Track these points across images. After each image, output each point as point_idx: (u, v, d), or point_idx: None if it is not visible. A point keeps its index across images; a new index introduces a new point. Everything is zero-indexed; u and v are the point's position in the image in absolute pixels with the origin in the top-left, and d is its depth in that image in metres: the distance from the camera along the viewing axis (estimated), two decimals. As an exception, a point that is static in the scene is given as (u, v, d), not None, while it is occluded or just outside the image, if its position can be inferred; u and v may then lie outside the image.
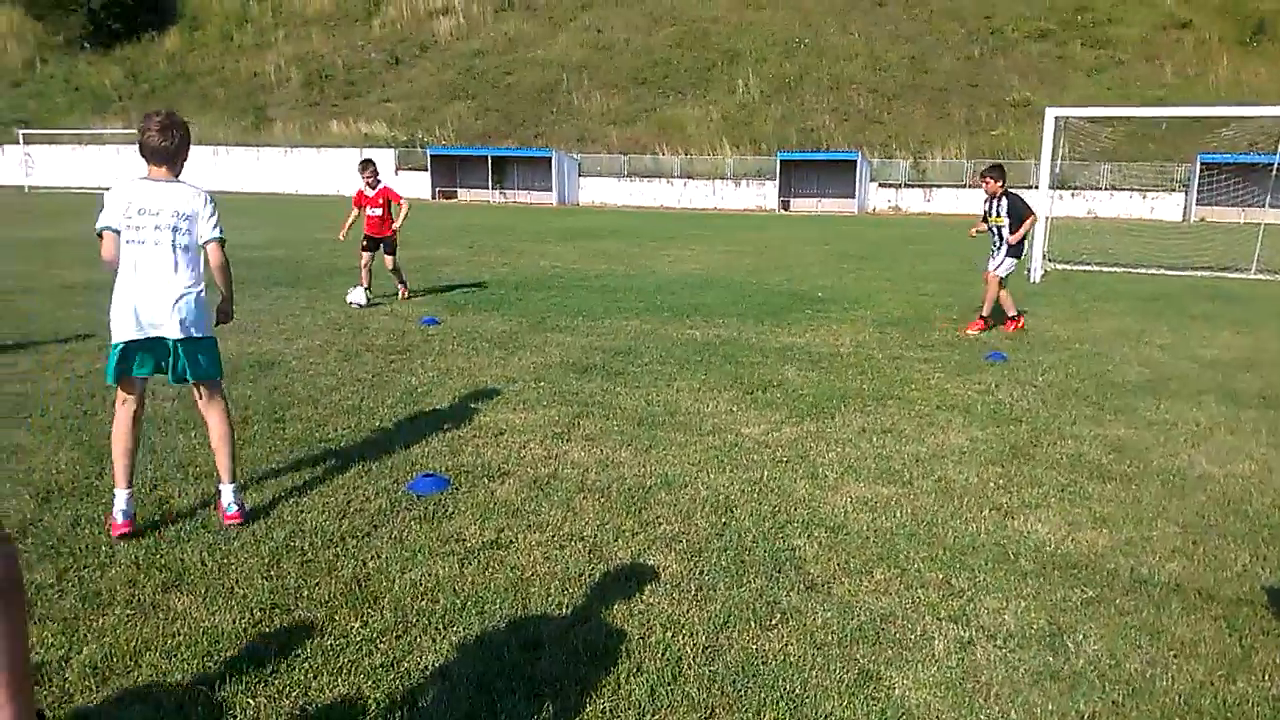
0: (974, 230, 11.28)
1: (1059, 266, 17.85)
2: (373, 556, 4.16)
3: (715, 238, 26.13)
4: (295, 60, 61.49)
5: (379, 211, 11.97)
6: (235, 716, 2.94)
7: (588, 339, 9.51)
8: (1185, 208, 42.56)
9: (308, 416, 6.42)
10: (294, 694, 3.07)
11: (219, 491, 4.53)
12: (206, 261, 4.44)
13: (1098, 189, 43.99)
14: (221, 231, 4.40)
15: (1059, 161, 16.99)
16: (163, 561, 4.04)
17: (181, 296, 4.23)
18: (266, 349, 8.55)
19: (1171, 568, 4.20)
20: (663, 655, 3.35)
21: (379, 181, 11.92)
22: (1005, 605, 3.82)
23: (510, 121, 55.54)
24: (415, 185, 51.45)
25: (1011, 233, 10.49)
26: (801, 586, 3.94)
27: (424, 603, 3.73)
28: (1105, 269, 18.22)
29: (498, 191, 53.05)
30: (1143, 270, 18.28)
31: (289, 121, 57.42)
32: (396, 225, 12.16)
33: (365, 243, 12.09)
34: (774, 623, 3.63)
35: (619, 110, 54.80)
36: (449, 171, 53.57)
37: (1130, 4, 53.08)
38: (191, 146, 4.43)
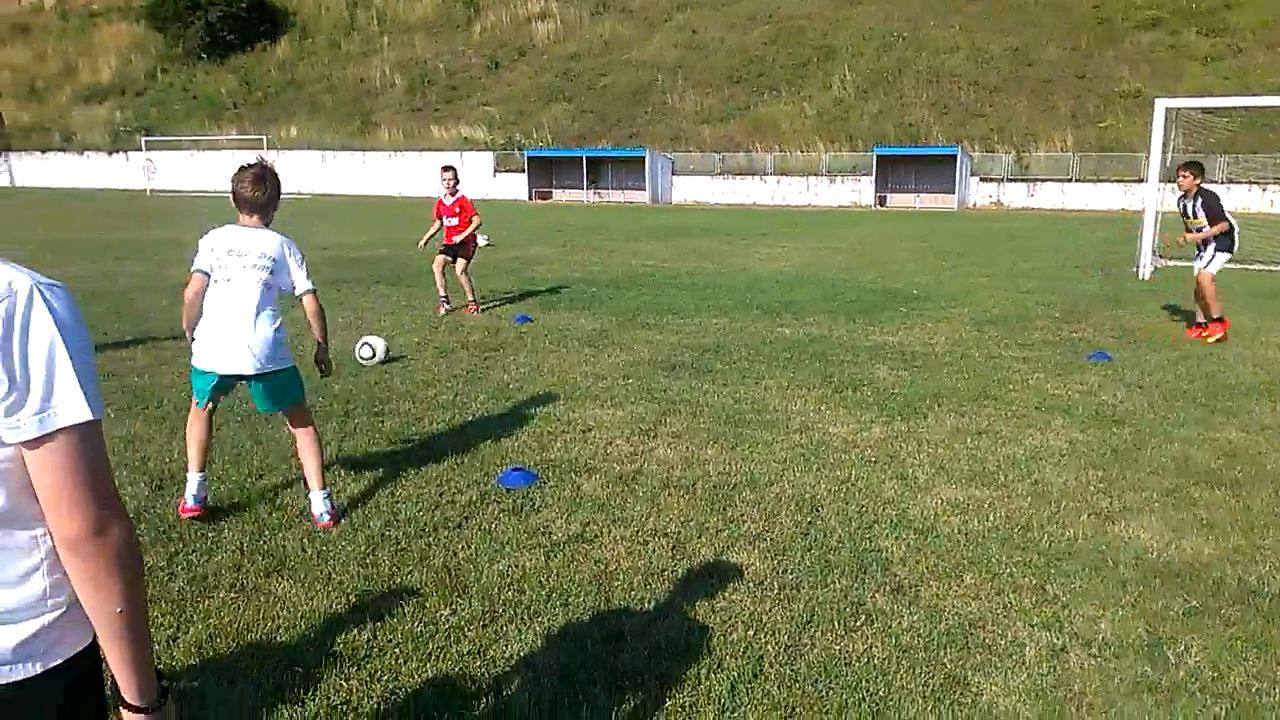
0: (1182, 238, 10.35)
1: (1170, 263, 17.06)
2: (463, 547, 4.27)
3: (808, 235, 25.86)
4: (399, 66, 63.12)
5: (455, 221, 11.55)
6: (329, 697, 3.06)
7: (677, 337, 9.53)
8: (1311, 200, 40.14)
9: (405, 411, 6.62)
10: (385, 678, 3.18)
11: (310, 499, 4.64)
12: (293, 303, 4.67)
13: (1213, 182, 41.82)
14: (313, 282, 4.69)
15: (1170, 154, 16.24)
16: (266, 548, 4.22)
17: (259, 332, 4.45)
18: (366, 346, 8.82)
19: (1284, 579, 4.00)
20: (744, 653, 3.35)
21: (458, 189, 11.59)
22: (1102, 613, 3.70)
23: (605, 122, 55.92)
24: (512, 187, 52.29)
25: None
26: (888, 588, 3.89)
27: (511, 593, 3.81)
28: (1222, 266, 17.32)
29: (592, 191, 53.50)
30: (1260, 266, 17.34)
31: (393, 126, 58.97)
32: (459, 238, 11.58)
33: (442, 249, 11.67)
34: (858, 624, 3.59)
35: (713, 109, 54.63)
36: (545, 173, 54.31)
37: (1251, -12, 50.35)
38: (282, 196, 4.69)
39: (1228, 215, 9.87)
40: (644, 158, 50.83)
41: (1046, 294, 13.20)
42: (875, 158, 47.11)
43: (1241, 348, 9.20)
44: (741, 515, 4.68)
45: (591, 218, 34.98)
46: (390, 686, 3.13)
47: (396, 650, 3.35)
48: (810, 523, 4.58)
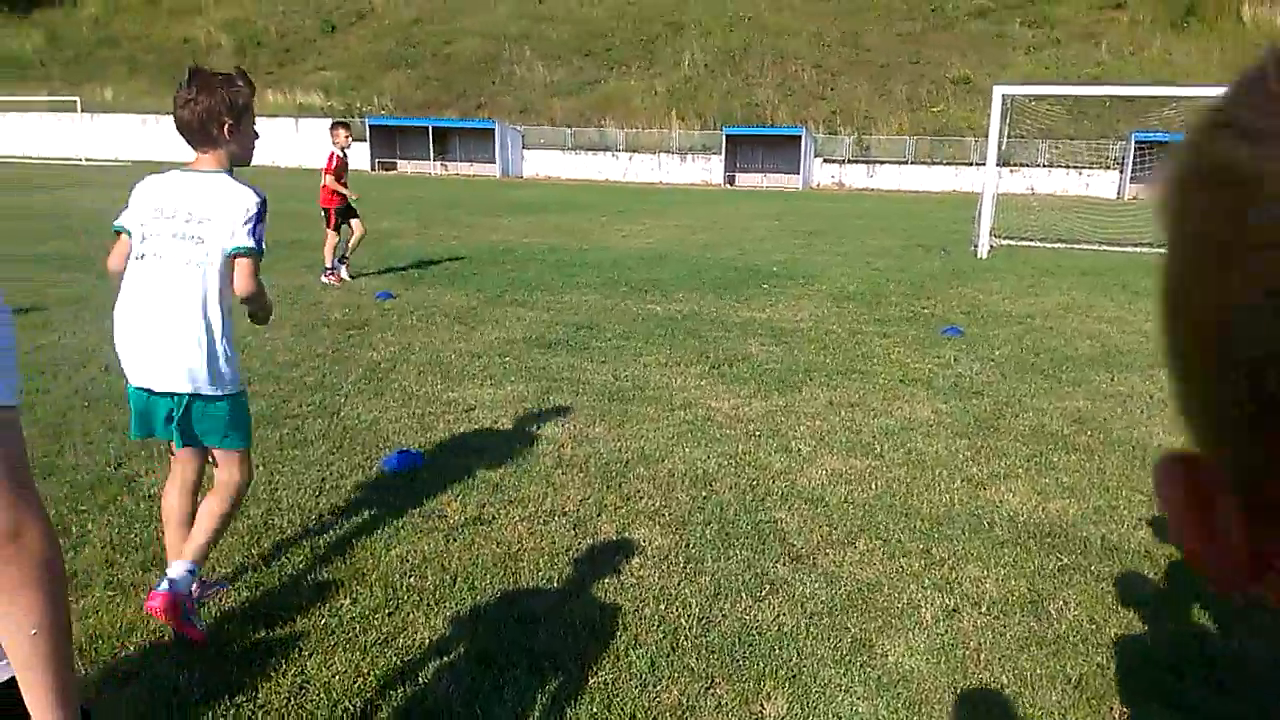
0: None
1: (1004, 242, 18.20)
2: (354, 533, 4.11)
3: (664, 212, 26.10)
4: (226, 26, 59.66)
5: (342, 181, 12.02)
6: (234, 695, 2.88)
7: (549, 314, 9.45)
8: (1120, 185, 43.59)
9: (270, 393, 6.29)
10: (290, 672, 3.02)
11: (168, 568, 3.27)
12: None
13: (1036, 166, 44.87)
14: (258, 242, 3.11)
15: (1004, 139, 17.26)
16: (138, 541, 3.94)
17: (181, 337, 3.07)
18: (219, 324, 8.33)
19: (1140, 535, 4.34)
20: (659, 627, 3.37)
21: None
22: (986, 574, 3.91)
23: (451, 91, 54.64)
24: (354, 157, 50.34)
25: None
26: (787, 558, 3.99)
27: (413, 579, 3.69)
28: (1048, 244, 18.62)
29: (439, 163, 52.22)
30: (1084, 246, 18.71)
31: (222, 90, 55.72)
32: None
33: (337, 220, 11.97)
34: (764, 593, 3.66)
35: (562, 82, 54.27)
36: (389, 142, 52.60)
37: (1067, -15, 54.06)
38: (245, 116, 3.18)
39: None
40: (493, 130, 50.03)
41: (896, 271, 13.80)
42: (725, 136, 48.00)
43: (1077, 322, 9.90)
44: (637, 491, 4.70)
45: (442, 191, 34.15)
46: (297, 682, 2.98)
47: (299, 644, 3.19)
48: (706, 497, 4.65)
